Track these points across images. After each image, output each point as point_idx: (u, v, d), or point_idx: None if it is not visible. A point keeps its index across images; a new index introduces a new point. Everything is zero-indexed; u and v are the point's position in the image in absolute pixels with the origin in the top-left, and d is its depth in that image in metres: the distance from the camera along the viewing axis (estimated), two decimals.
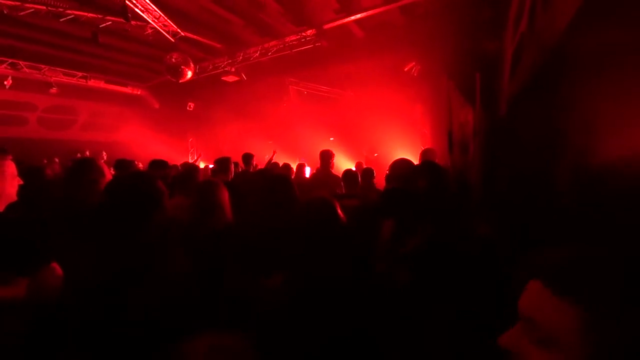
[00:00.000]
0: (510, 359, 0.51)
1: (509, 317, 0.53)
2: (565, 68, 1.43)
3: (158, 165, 3.56)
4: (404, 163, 2.56)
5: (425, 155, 3.85)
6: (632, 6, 0.99)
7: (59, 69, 8.47)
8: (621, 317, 0.41)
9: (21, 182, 1.53)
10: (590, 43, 1.22)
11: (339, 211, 1.43)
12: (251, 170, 4.67)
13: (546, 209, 1.62)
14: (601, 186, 1.19)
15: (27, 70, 8.06)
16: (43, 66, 8.23)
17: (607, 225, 1.08)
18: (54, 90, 8.57)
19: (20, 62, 7.90)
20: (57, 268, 1.09)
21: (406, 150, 7.35)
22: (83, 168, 1.84)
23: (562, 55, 1.40)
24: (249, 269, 1.53)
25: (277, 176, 2.00)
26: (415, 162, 3.09)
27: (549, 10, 1.48)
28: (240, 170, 4.92)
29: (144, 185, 1.27)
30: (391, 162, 2.71)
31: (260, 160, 6.06)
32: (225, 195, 1.89)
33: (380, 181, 3.74)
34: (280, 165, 5.07)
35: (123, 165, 3.73)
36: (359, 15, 5.73)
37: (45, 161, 6.71)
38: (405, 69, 6.69)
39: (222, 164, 3.76)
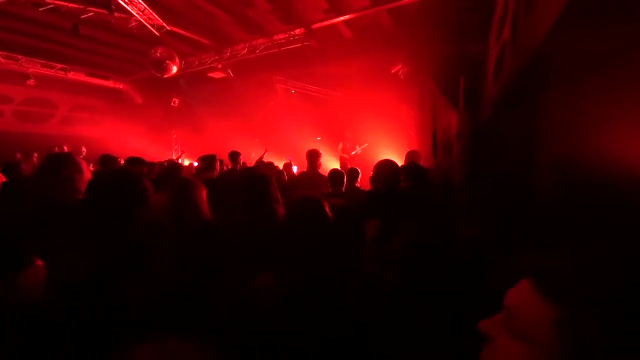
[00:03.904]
0: (487, 343, 0.56)
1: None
2: (546, 73, 1.48)
3: (134, 162, 3.46)
4: (388, 164, 2.59)
5: (409, 157, 3.92)
6: (609, 16, 1.04)
7: (37, 59, 8.15)
8: (596, 319, 0.45)
9: (4, 180, 1.47)
10: (569, 49, 1.28)
11: (328, 210, 1.44)
12: (238, 168, 4.63)
13: (527, 209, 1.68)
14: (580, 187, 1.24)
15: (2, 60, 7.73)
16: (20, 56, 7.91)
17: (589, 225, 1.13)
18: (31, 81, 8.24)
19: None
20: (40, 268, 1.06)
21: (392, 150, 7.43)
22: (58, 164, 1.68)
23: (543, 61, 1.45)
24: (233, 269, 1.53)
25: (256, 175, 1.99)
26: (400, 163, 3.14)
27: (530, 17, 1.54)
28: (225, 168, 4.88)
29: (130, 182, 1.25)
30: (376, 163, 2.74)
31: (247, 159, 6.01)
32: (202, 194, 1.84)
33: (364, 181, 3.78)
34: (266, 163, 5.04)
35: (107, 162, 3.62)
36: (347, 16, 5.76)
37: (19, 156, 6.43)
38: (392, 71, 6.77)
39: (207, 161, 3.70)
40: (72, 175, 1.67)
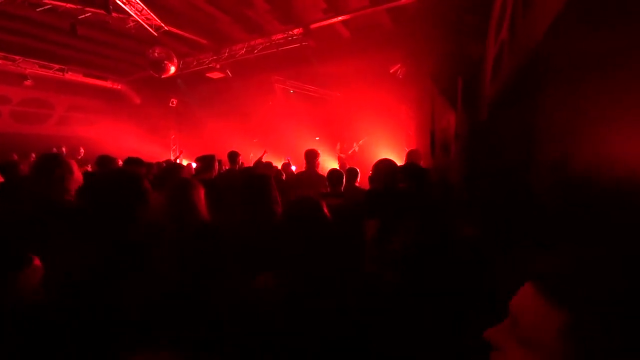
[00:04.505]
0: (494, 352, 0.53)
1: (496, 316, 0.55)
2: (544, 73, 1.49)
3: (133, 162, 3.46)
4: (386, 164, 2.59)
5: (410, 156, 3.92)
6: (608, 16, 1.05)
7: (34, 60, 8.10)
8: (602, 324, 0.43)
9: (2, 180, 1.48)
10: (568, 49, 1.28)
11: (325, 210, 1.44)
12: (237, 168, 4.63)
13: (527, 209, 1.68)
14: (580, 187, 1.25)
15: (0, 61, 7.69)
16: (17, 57, 7.86)
17: (588, 225, 1.14)
18: (28, 82, 8.19)
19: None
20: (39, 268, 1.06)
21: (391, 150, 7.45)
22: (51, 164, 1.72)
23: (541, 60, 1.45)
24: (233, 269, 1.53)
25: (255, 174, 1.99)
26: (400, 162, 3.15)
27: (528, 16, 1.54)
28: (224, 168, 4.87)
29: (129, 182, 1.25)
30: (374, 162, 2.74)
31: (246, 159, 6.01)
32: (200, 195, 1.84)
33: (363, 180, 3.78)
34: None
35: (105, 162, 3.61)
36: (346, 16, 5.76)
37: (16, 157, 6.38)
38: (391, 71, 6.77)
39: (206, 161, 3.69)
40: (63, 175, 1.70)
